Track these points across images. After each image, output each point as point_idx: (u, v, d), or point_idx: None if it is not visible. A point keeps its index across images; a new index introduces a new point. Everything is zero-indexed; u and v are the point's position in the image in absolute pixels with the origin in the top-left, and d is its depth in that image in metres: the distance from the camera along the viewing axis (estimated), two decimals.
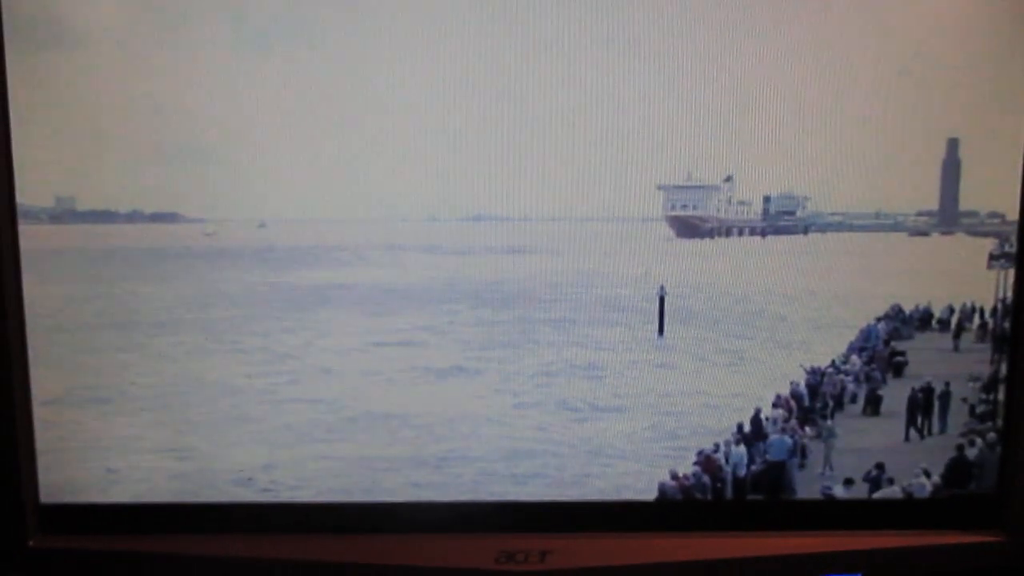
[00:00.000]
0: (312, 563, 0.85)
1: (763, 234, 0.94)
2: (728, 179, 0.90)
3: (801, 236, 0.93)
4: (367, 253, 0.95)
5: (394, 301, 0.93)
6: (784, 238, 0.94)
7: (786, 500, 0.90)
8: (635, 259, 0.90)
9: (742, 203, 0.94)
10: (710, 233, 0.97)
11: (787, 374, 0.95)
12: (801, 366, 0.95)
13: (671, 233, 0.93)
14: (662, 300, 0.90)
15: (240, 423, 0.89)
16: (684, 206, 0.92)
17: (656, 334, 0.91)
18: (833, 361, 0.97)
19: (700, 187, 0.91)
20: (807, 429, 0.95)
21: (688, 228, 0.95)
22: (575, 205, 0.88)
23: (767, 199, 0.92)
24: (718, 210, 0.95)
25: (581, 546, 0.87)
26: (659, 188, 0.89)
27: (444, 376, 0.93)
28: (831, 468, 0.93)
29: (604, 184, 0.87)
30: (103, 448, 0.87)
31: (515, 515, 0.88)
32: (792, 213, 0.93)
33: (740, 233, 0.96)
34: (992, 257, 0.91)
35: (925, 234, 0.96)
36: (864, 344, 0.98)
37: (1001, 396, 0.89)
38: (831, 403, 0.96)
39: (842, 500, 0.89)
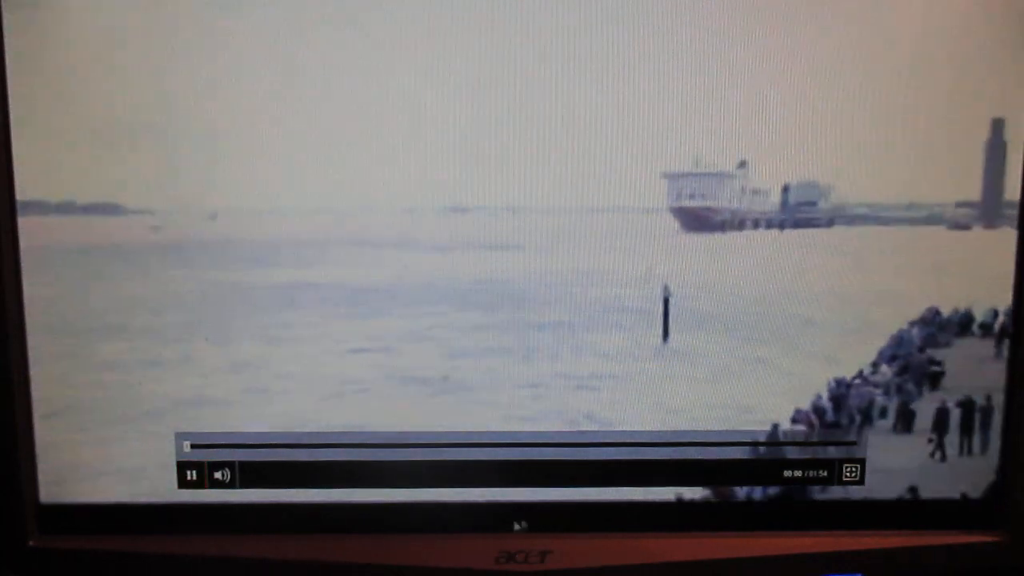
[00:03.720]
0: (312, 563, 0.86)
1: (781, 227, 0.85)
2: (742, 165, 0.82)
3: (824, 230, 0.84)
4: (336, 249, 0.85)
5: (369, 303, 0.85)
6: (805, 232, 0.84)
7: (786, 500, 0.89)
8: (637, 256, 0.81)
9: (757, 192, 0.84)
10: (721, 226, 0.86)
11: (808, 385, 0.86)
12: (826, 379, 0.86)
13: (677, 226, 0.83)
14: (667, 302, 0.82)
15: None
16: (692, 196, 0.83)
17: (660, 340, 0.84)
18: (860, 371, 0.87)
19: (710, 174, 0.82)
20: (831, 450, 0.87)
21: (696, 220, 0.85)
22: (569, 194, 0.80)
23: (786, 188, 0.83)
24: (730, 200, 0.85)
25: (581, 546, 0.87)
26: (663, 176, 0.81)
27: (425, 387, 0.85)
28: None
29: (601, 171, 0.79)
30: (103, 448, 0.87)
31: (515, 515, 0.88)
32: (814, 204, 0.84)
33: (755, 226, 0.86)
34: None
35: (966, 228, 0.85)
36: (896, 352, 0.88)
37: None
38: (858, 418, 0.86)
39: (842, 500, 0.89)
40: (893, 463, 0.88)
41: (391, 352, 0.87)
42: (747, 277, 0.83)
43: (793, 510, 0.89)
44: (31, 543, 0.86)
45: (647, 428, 0.88)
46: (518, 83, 0.83)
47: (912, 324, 0.86)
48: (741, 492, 0.89)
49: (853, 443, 0.89)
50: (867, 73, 0.81)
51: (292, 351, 0.87)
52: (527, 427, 0.88)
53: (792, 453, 0.89)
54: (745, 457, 0.89)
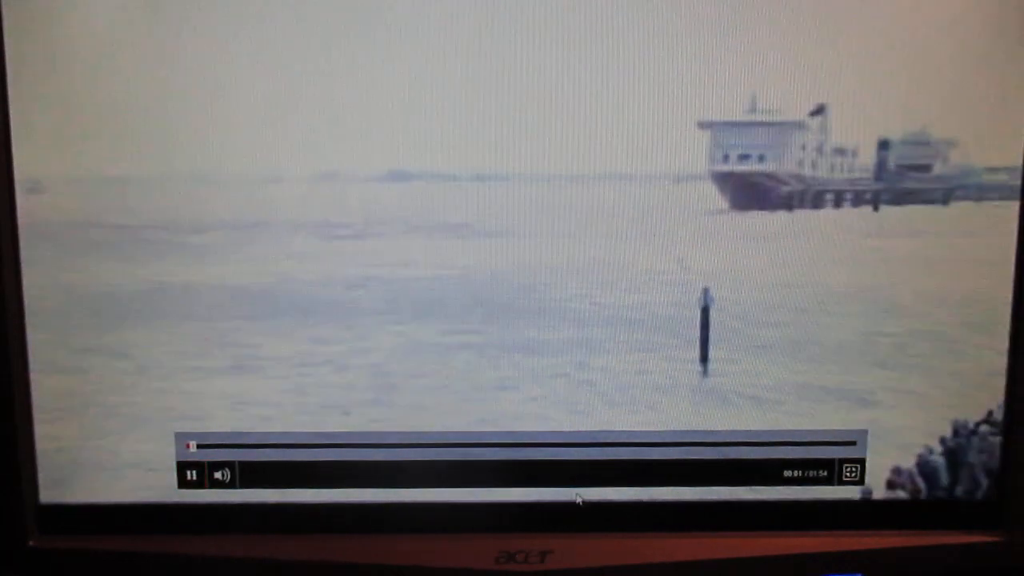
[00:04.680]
0: (312, 563, 0.86)
1: (876, 203, 0.64)
2: (819, 111, 0.62)
3: (940, 207, 0.63)
4: (241, 233, 0.69)
5: (289, 310, 0.70)
6: (912, 211, 0.63)
7: (786, 500, 0.89)
8: (663, 244, 0.63)
9: (841, 151, 0.64)
10: (786, 202, 0.65)
11: (913, 434, 0.67)
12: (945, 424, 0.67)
13: (722, 201, 0.64)
14: (706, 312, 0.65)
15: None
16: (744, 157, 0.63)
17: (698, 364, 0.66)
18: (990, 412, 0.69)
19: (771, 124, 0.62)
20: None
21: (750, 194, 0.64)
22: (569, 156, 0.60)
23: (884, 145, 0.63)
24: (801, 163, 0.64)
25: (581, 546, 0.87)
26: (702, 126, 0.61)
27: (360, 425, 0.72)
28: None
29: (614, 122, 0.59)
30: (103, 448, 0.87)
31: (515, 515, 0.88)
32: (926, 168, 0.63)
33: (838, 202, 0.65)
34: None
35: None
36: None
37: None
38: (985, 482, 0.65)
39: (842, 500, 0.89)
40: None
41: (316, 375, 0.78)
42: (823, 278, 0.65)
43: (793, 510, 0.89)
44: (31, 543, 0.86)
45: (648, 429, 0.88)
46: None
47: None
48: (741, 492, 0.89)
49: (852, 443, 0.89)
50: None
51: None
52: (528, 427, 0.88)
53: (792, 453, 0.89)
54: (745, 457, 0.89)
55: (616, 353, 0.67)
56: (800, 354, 0.66)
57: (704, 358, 0.66)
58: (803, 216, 0.66)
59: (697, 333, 0.66)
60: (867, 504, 0.89)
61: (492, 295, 0.67)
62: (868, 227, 0.65)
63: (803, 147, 0.65)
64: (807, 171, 0.67)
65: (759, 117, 0.64)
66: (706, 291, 0.66)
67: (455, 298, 0.68)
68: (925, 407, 0.65)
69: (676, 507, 0.89)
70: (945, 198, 0.66)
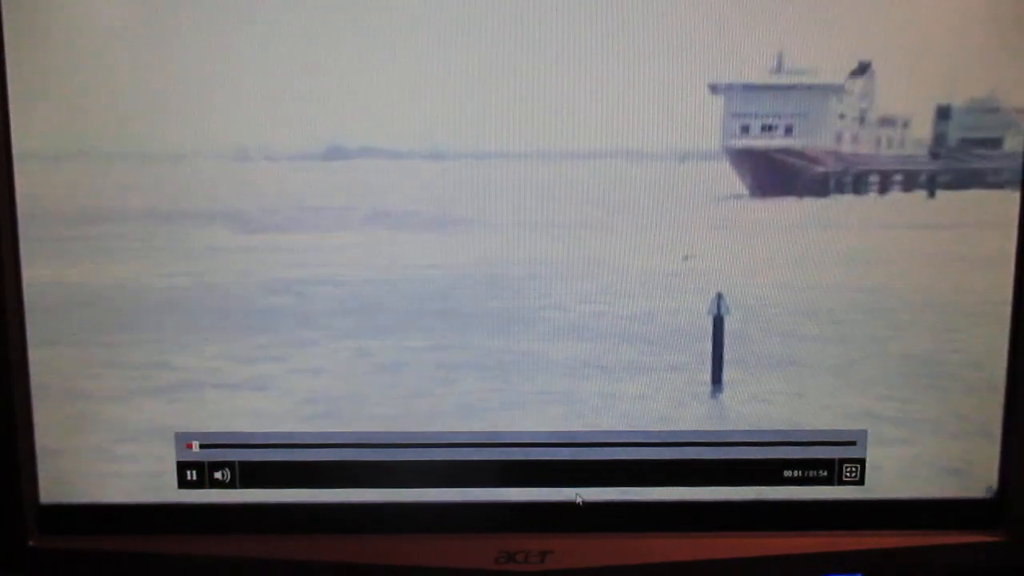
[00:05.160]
0: (312, 563, 0.86)
1: (931, 188, 0.54)
2: (861, 71, 0.51)
3: (1011, 192, 0.52)
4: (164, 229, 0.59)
5: (223, 316, 0.63)
6: (976, 196, 0.53)
7: (786, 500, 0.89)
8: (665, 239, 0.53)
9: (889, 122, 0.53)
10: (821, 185, 0.54)
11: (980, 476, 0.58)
12: None
13: (739, 185, 0.54)
14: (719, 323, 0.55)
15: None
16: (767, 128, 0.52)
17: (709, 387, 0.58)
18: None
19: (801, 88, 0.51)
20: None
21: (775, 175, 0.53)
22: (546, 128, 0.51)
23: (943, 114, 0.51)
24: (839, 137, 0.53)
25: (581, 546, 0.87)
26: (714, 90, 0.50)
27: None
28: None
29: (603, 85, 0.50)
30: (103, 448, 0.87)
31: (515, 515, 0.88)
32: (995, 143, 0.52)
33: (884, 186, 0.54)
34: None
35: None
36: None
37: None
38: None
39: (842, 500, 0.89)
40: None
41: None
42: (867, 280, 0.54)
43: (793, 510, 0.89)
44: (31, 543, 0.86)
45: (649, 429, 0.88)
46: None
47: None
48: (741, 492, 0.89)
49: (852, 443, 0.89)
50: None
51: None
52: (527, 428, 0.88)
53: (792, 453, 0.89)
54: (745, 457, 0.89)
55: (609, 375, 0.55)
56: (840, 377, 0.54)
57: (717, 379, 0.55)
58: (840, 204, 0.54)
59: (709, 348, 0.55)
60: (867, 504, 0.89)
61: (451, 302, 0.56)
62: (922, 217, 0.53)
63: (841, 117, 0.53)
64: (846, 147, 0.55)
65: (786, 79, 0.51)
66: (719, 297, 0.55)
67: (402, 306, 0.58)
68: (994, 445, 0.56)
69: (676, 507, 0.89)
70: (1017, 180, 0.52)
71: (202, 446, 0.87)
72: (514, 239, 0.55)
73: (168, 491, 0.87)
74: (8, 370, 0.83)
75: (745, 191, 0.54)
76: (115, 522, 0.87)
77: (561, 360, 0.57)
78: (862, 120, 0.54)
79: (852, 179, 0.55)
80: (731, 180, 0.53)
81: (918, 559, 0.88)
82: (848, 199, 0.56)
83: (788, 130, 0.53)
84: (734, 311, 0.55)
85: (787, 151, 0.53)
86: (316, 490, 0.88)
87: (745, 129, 0.53)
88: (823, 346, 0.54)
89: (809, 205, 0.55)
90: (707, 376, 0.56)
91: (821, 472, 0.88)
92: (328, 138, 0.54)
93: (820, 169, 0.55)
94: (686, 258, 0.55)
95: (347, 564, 0.86)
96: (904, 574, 0.88)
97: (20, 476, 0.85)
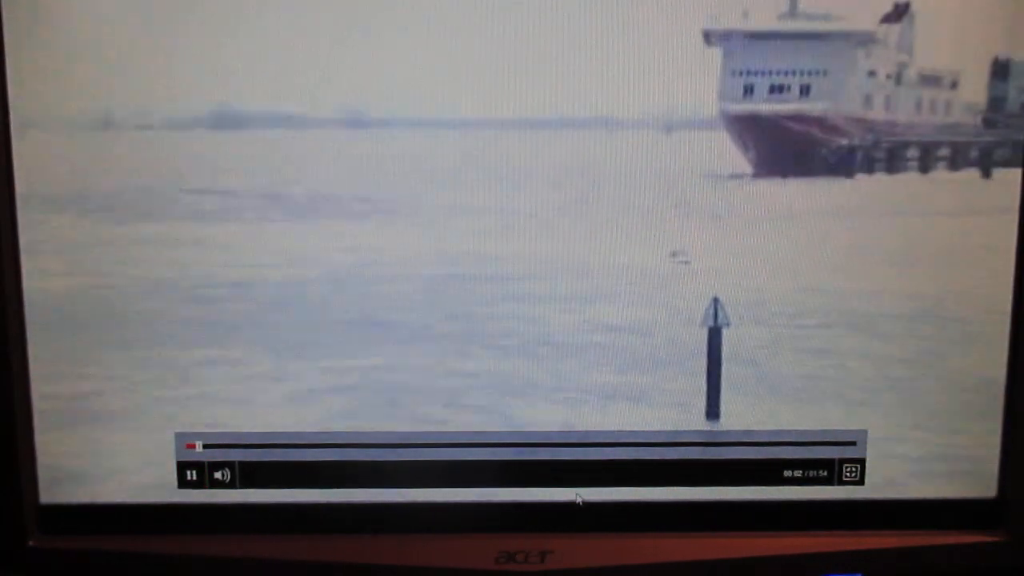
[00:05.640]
0: (312, 563, 0.86)
1: (986, 164, 0.44)
2: (897, 15, 0.40)
3: None
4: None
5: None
6: None
7: (786, 500, 0.89)
8: (647, 229, 0.45)
9: (932, 80, 0.43)
10: (844, 162, 0.45)
11: None
12: None
13: (740, 162, 0.45)
14: (716, 336, 0.47)
15: None
16: (777, 89, 0.43)
17: (703, 417, 0.50)
18: None
19: (819, 37, 0.41)
20: None
21: (785, 148, 0.44)
22: (502, 90, 0.42)
23: (1001, 70, 0.40)
24: (868, 100, 0.44)
25: (581, 546, 0.87)
26: (710, 40, 0.41)
27: None
28: None
29: (571, 36, 0.41)
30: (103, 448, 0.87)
31: (515, 515, 0.88)
32: None
33: (926, 162, 0.43)
34: None
35: None
36: None
37: None
38: None
39: (842, 500, 0.89)
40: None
41: None
42: (906, 286, 0.46)
43: (793, 510, 0.89)
44: (31, 543, 0.86)
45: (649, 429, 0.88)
46: None
47: None
48: (741, 492, 0.89)
49: (852, 443, 0.89)
50: None
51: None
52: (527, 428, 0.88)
53: (792, 453, 0.89)
54: (745, 457, 0.89)
55: (571, 408, 0.47)
56: (868, 405, 0.46)
57: (713, 412, 0.46)
58: (870, 185, 0.44)
59: (702, 368, 0.47)
60: (867, 504, 0.89)
61: (368, 310, 0.49)
62: (974, 202, 0.44)
63: (871, 73, 0.43)
64: (877, 112, 0.44)
65: (801, 25, 0.41)
66: (716, 304, 0.46)
67: (315, 315, 0.51)
68: None
69: (676, 507, 0.89)
70: None
71: (205, 446, 0.87)
72: (454, 232, 0.46)
73: (168, 491, 0.87)
74: (8, 370, 0.83)
75: (748, 170, 0.44)
76: (115, 522, 0.87)
77: (515, 382, 0.47)
78: (898, 78, 0.43)
79: (885, 154, 0.45)
80: (730, 156, 0.43)
81: (918, 559, 0.87)
82: (879, 179, 0.45)
83: (804, 91, 0.43)
84: (735, 322, 0.46)
85: (802, 118, 0.43)
86: (316, 490, 0.88)
87: (749, 90, 0.43)
88: (847, 366, 0.45)
89: (830, 188, 0.45)
90: (701, 405, 0.46)
91: (821, 472, 0.88)
92: (215, 100, 0.44)
93: (844, 142, 0.45)
94: (674, 255, 0.46)
95: (347, 564, 0.86)
96: (904, 574, 0.88)
97: (20, 476, 0.85)
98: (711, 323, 0.47)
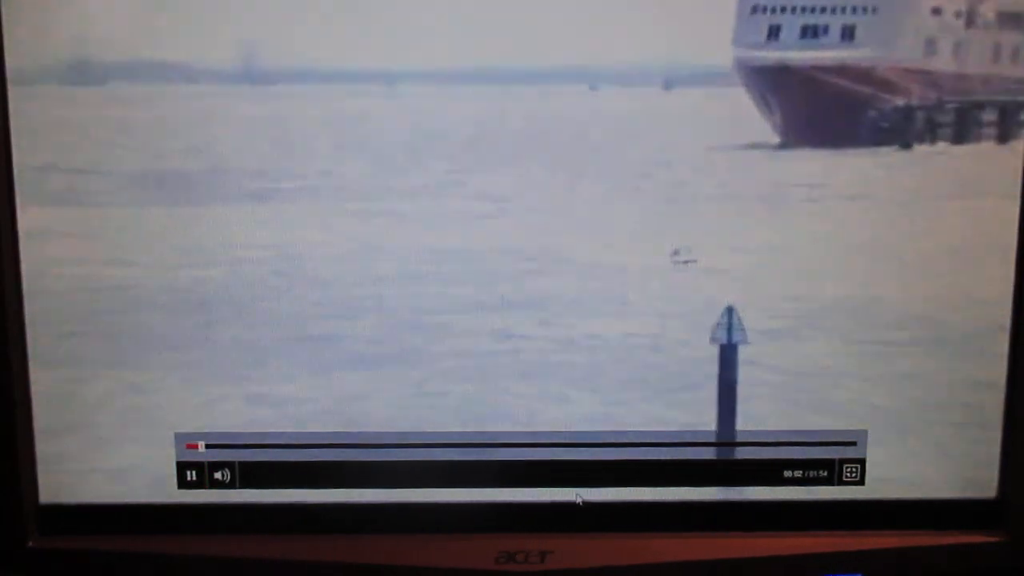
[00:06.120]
0: (312, 563, 0.86)
1: None
2: None
3: None
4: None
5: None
6: None
7: (786, 500, 0.89)
8: (645, 221, 0.38)
9: (1013, 18, 0.35)
10: (901, 128, 0.36)
11: None
12: None
13: (762, 129, 0.36)
14: (730, 353, 0.41)
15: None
16: (811, 32, 0.35)
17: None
18: None
19: None
20: None
21: (824, 111, 0.36)
22: (462, 33, 0.35)
23: None
24: (930, 46, 0.35)
25: (581, 546, 0.87)
26: None
27: None
28: None
29: None
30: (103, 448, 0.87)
31: (515, 515, 0.88)
32: None
33: (1005, 130, 0.35)
34: None
35: None
36: None
37: None
38: None
39: (842, 500, 0.89)
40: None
41: None
42: (968, 286, 0.40)
43: (793, 510, 0.89)
44: (31, 543, 0.86)
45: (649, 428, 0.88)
46: None
47: None
48: (741, 492, 0.89)
49: (853, 443, 0.89)
50: None
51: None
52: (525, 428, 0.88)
53: (792, 453, 0.89)
54: (745, 457, 0.89)
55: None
56: (868, 405, 0.43)
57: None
58: (932, 158, 0.36)
59: (712, 395, 0.43)
60: (867, 504, 0.89)
61: (290, 311, 0.47)
62: None
63: (935, 11, 0.35)
64: (942, 64, 0.35)
65: None
66: (730, 315, 0.40)
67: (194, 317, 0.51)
68: None
69: (676, 507, 0.89)
70: None
71: (208, 446, 0.87)
72: (392, 220, 0.39)
73: (168, 491, 0.87)
74: (8, 370, 0.83)
75: (773, 138, 0.36)
76: (115, 522, 0.87)
77: (487, 410, 0.42)
78: (969, 19, 0.35)
79: (953, 117, 0.36)
80: (749, 121, 0.35)
81: (918, 559, 0.87)
82: (944, 150, 0.37)
83: (846, 34, 0.34)
84: (753, 336, 0.39)
85: (844, 70, 0.35)
86: (316, 490, 0.88)
87: (774, 32, 0.34)
88: (849, 364, 0.41)
89: (880, 161, 0.36)
90: (710, 436, 0.40)
91: (821, 472, 0.88)
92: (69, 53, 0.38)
93: (900, 101, 0.36)
94: (676, 253, 0.38)
95: (347, 564, 0.86)
96: (904, 574, 0.88)
97: (20, 476, 0.85)
98: (724, 339, 0.38)
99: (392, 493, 0.88)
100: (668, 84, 0.34)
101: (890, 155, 0.37)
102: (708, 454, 0.86)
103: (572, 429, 0.81)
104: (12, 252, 0.82)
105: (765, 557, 0.87)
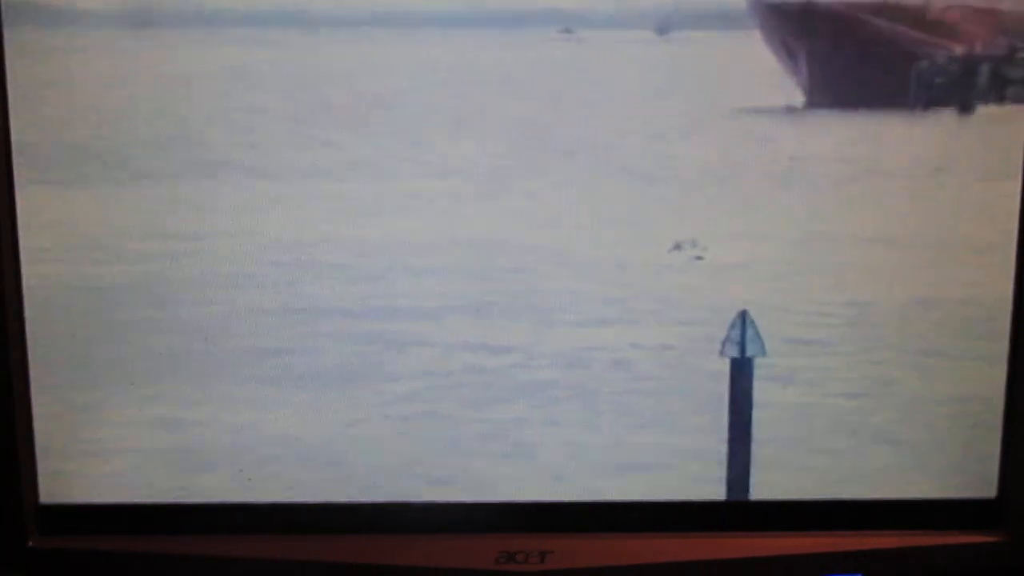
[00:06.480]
0: (312, 563, 0.85)
1: None
2: None
3: None
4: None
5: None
6: None
7: (786, 500, 0.89)
8: (639, 207, 0.34)
9: None
10: (960, 85, 0.32)
11: None
12: None
13: (784, 87, 0.32)
14: (744, 369, 0.37)
15: None
16: None
17: (722, 491, 0.41)
18: None
19: None
20: None
21: (860, 60, 0.31)
22: None
23: None
24: None
25: (581, 546, 0.87)
26: None
27: None
28: None
29: None
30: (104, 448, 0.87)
31: (515, 515, 0.88)
32: None
33: None
34: None
35: None
36: None
37: None
38: None
39: (842, 500, 0.89)
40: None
41: None
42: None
43: (793, 510, 0.89)
44: (31, 543, 0.86)
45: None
46: None
47: None
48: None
49: None
50: None
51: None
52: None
53: None
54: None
55: (521, 476, 0.40)
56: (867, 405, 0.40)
57: (740, 485, 0.38)
58: (999, 123, 0.31)
59: (723, 422, 0.40)
60: (867, 504, 0.89)
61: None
62: None
63: None
64: (1015, 1, 0.30)
65: None
66: (743, 321, 0.36)
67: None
68: None
69: (676, 507, 0.89)
70: None
71: None
72: (325, 202, 0.35)
73: (168, 491, 0.87)
74: (8, 370, 0.83)
75: (796, 98, 0.31)
76: (115, 522, 0.87)
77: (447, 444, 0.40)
78: None
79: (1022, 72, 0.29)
80: (767, 74, 0.30)
81: (918, 559, 0.87)
82: (1012, 113, 0.31)
83: None
84: (772, 347, 0.36)
85: (888, 8, 0.30)
86: (316, 490, 0.88)
87: None
88: (849, 363, 0.37)
89: (932, 128, 0.31)
90: (719, 474, 0.38)
91: None
92: None
93: (957, 51, 0.30)
94: (678, 247, 0.34)
95: (347, 564, 0.86)
96: (904, 574, 0.88)
97: (20, 476, 0.85)
98: (737, 350, 0.34)
99: (392, 493, 0.88)
100: (662, 28, 0.29)
101: (944, 119, 0.32)
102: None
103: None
104: (12, 247, 0.82)
105: (765, 557, 0.87)
